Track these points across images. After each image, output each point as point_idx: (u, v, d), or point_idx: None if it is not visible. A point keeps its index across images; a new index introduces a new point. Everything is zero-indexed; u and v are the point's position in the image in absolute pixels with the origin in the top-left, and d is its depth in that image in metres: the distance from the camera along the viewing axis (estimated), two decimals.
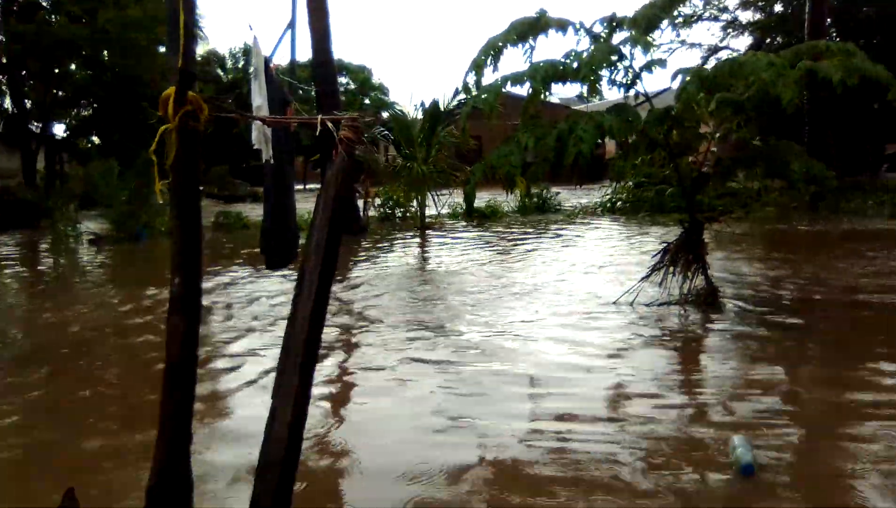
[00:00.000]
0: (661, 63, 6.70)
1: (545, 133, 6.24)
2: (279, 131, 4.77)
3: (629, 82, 7.02)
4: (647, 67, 6.74)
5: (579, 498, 3.34)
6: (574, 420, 4.31)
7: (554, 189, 21.44)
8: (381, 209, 19.14)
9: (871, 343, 5.95)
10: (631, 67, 6.91)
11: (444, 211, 19.17)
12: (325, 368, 5.42)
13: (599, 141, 6.74)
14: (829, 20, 30.08)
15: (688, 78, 6.16)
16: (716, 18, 33.11)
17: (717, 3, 32.95)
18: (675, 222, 7.47)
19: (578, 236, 14.64)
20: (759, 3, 31.86)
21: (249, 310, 7.78)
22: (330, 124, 2.59)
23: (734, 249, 11.93)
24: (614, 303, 7.57)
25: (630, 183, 19.86)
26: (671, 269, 7.46)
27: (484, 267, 10.65)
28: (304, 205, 8.99)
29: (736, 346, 6.05)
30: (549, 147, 6.14)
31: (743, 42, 32.95)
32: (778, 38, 29.59)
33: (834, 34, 30.44)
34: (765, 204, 18.60)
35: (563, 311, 7.41)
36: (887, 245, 11.34)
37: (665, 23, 7.44)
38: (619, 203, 19.82)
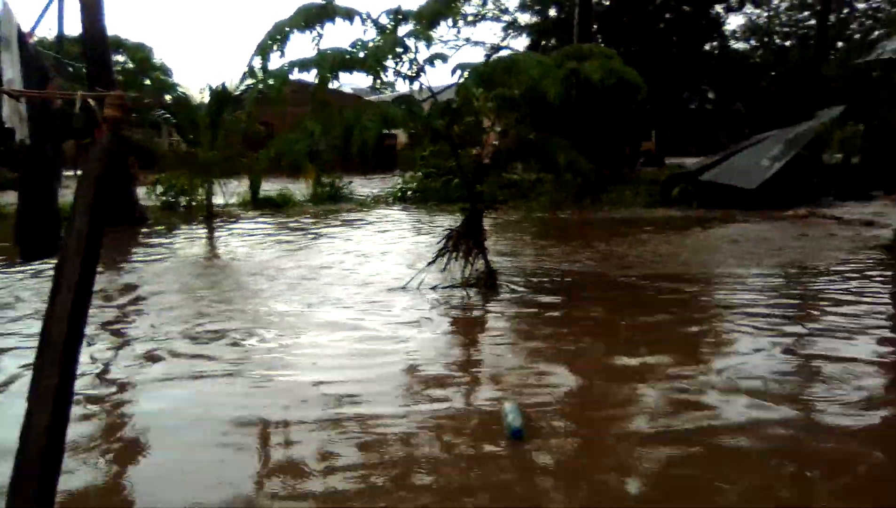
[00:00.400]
0: (443, 57, 7.01)
1: (332, 121, 6.26)
2: (38, 108, 4.31)
3: (414, 75, 7.24)
4: (431, 60, 7.01)
5: (382, 478, 3.43)
6: (365, 404, 4.39)
7: (347, 178, 21.53)
8: (164, 198, 17.99)
9: (630, 316, 6.73)
10: (415, 59, 7.14)
11: (233, 200, 18.47)
12: (87, 366, 5.03)
13: (392, 132, 6.97)
14: (596, 26, 33.16)
15: (466, 74, 6.49)
16: (497, 19, 35.07)
17: (498, 4, 34.94)
18: (461, 211, 7.87)
19: (369, 224, 14.83)
20: (536, 7, 34.21)
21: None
22: (92, 102, 2.42)
23: (512, 235, 12.76)
24: (402, 288, 7.80)
25: (420, 173, 20.60)
26: (454, 254, 7.85)
27: (271, 256, 10.44)
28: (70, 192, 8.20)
29: (511, 323, 6.55)
30: (336, 136, 6.17)
31: (522, 42, 35.15)
32: (553, 40, 31.95)
33: (600, 39, 33.60)
34: (539, 194, 20.23)
35: (352, 297, 7.51)
36: (643, 230, 12.76)
37: (450, 20, 7.77)
38: (409, 193, 20.35)
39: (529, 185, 21.84)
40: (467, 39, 40.94)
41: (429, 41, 6.66)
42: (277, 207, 18.98)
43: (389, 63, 6.79)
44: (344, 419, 4.12)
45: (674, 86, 34.28)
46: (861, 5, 37.75)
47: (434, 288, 7.74)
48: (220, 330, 6.17)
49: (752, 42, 42.75)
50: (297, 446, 3.81)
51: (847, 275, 8.36)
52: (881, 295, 7.48)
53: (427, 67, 7.23)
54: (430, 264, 7.93)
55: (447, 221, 13.86)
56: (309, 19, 7.01)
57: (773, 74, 36.21)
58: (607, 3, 33.77)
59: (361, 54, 6.52)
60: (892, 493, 3.36)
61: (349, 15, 7.10)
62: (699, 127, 43.01)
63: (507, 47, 33.67)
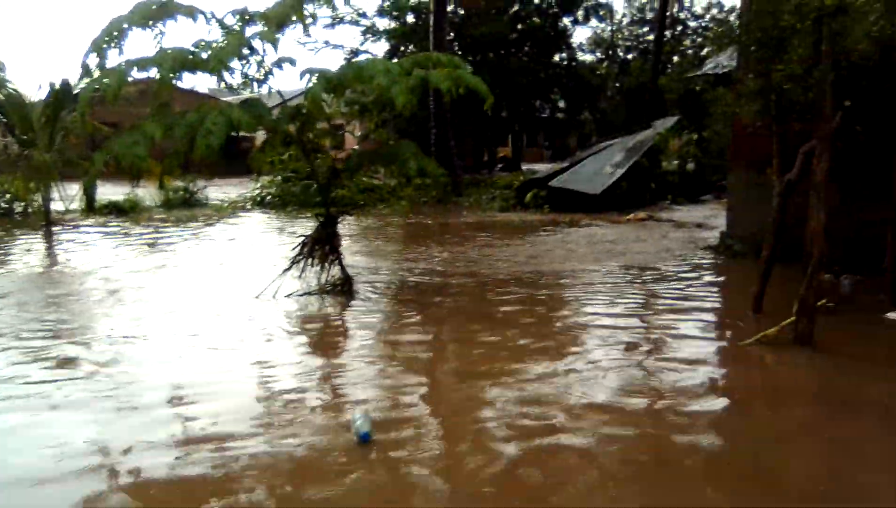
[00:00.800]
0: (291, 61, 6.93)
1: (175, 123, 6.01)
2: None
3: (262, 77, 7.11)
4: (279, 63, 6.90)
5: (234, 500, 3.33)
6: (224, 420, 4.23)
7: (202, 182, 20.71)
8: None
9: (481, 314, 6.95)
10: (262, 62, 7.01)
11: (75, 205, 17.26)
12: None
13: (249, 135, 6.83)
14: (452, 34, 33.91)
15: (314, 78, 6.44)
16: (356, 23, 34.97)
17: (357, 9, 34.89)
18: (315, 217, 7.80)
19: (223, 230, 14.35)
20: (394, 14, 34.47)
21: None
22: None
23: (371, 240, 12.79)
24: (256, 297, 7.62)
25: (279, 178, 20.15)
26: (309, 261, 7.77)
27: (113, 267, 9.85)
28: None
29: (366, 330, 6.56)
30: (178, 138, 5.93)
31: (382, 47, 35.26)
32: (411, 46, 32.27)
33: (456, 47, 34.41)
34: (400, 198, 20.39)
35: (201, 309, 7.24)
36: (497, 234, 13.18)
37: (307, 22, 7.64)
38: (268, 197, 19.86)
39: (390, 189, 22.00)
40: (326, 42, 40.65)
41: (274, 43, 6.54)
42: (125, 213, 17.94)
43: (235, 64, 6.62)
44: (193, 441, 3.96)
45: (526, 94, 35.73)
46: (693, 24, 41.04)
47: (289, 296, 7.62)
48: (50, 348, 5.75)
49: (598, 54, 45.39)
50: (144, 472, 3.62)
51: (679, 273, 9.06)
52: (708, 296, 8.12)
53: (278, 71, 7.16)
54: (284, 271, 7.80)
55: (307, 226, 13.72)
56: (148, 16, 6.71)
57: (617, 84, 38.52)
58: (463, 12, 34.61)
59: (204, 55, 6.30)
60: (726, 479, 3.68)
61: (191, 13, 6.85)
62: (551, 134, 45.17)
63: (366, 52, 33.71)
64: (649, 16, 41.63)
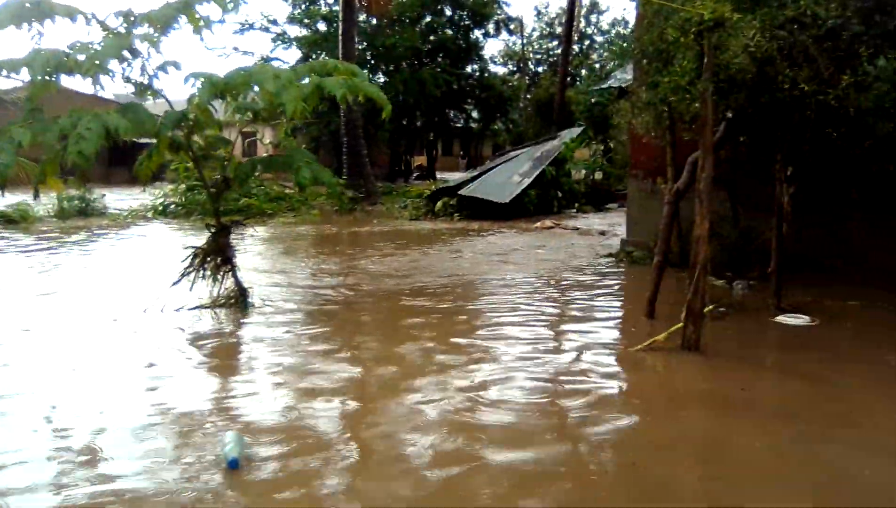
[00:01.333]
0: (176, 65, 6.63)
1: (46, 129, 5.62)
2: None
3: (146, 82, 6.77)
4: (163, 67, 6.60)
5: None
6: (99, 461, 3.92)
7: (102, 191, 19.80)
8: None
9: (378, 327, 6.82)
10: (146, 65, 6.69)
11: None
12: None
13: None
14: (364, 44, 33.75)
15: (198, 82, 6.18)
16: (266, 29, 34.35)
17: (267, 15, 34.28)
18: (206, 227, 7.48)
19: (119, 241, 13.68)
20: (305, 21, 34.06)
21: None
22: None
23: (275, 250, 12.46)
24: (144, 312, 7.25)
25: (183, 186, 19.45)
26: (201, 273, 7.45)
27: None
28: None
29: (257, 345, 6.31)
30: (48, 145, 5.56)
31: (294, 55, 34.83)
32: (323, 55, 31.91)
33: (369, 56, 34.30)
34: (311, 208, 20.06)
35: (86, 325, 6.83)
36: (404, 243, 13.09)
37: (199, 24, 7.33)
38: (171, 206, 19.13)
39: (303, 198, 21.60)
40: (236, 48, 39.83)
41: (155, 46, 6.23)
42: (14, 223, 16.89)
43: (116, 67, 6.27)
44: (68, 471, 3.67)
45: (440, 105, 35.96)
46: (599, 39, 42.48)
47: (179, 310, 7.28)
48: None
49: (510, 66, 46.22)
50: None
51: (578, 281, 9.20)
52: (604, 303, 8.26)
53: (164, 75, 6.83)
54: (174, 284, 7.44)
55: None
56: (20, 16, 6.27)
57: (528, 96, 39.24)
58: (375, 22, 34.50)
59: (81, 57, 5.94)
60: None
61: (70, 14, 6.45)
62: (466, 144, 45.63)
63: (276, 59, 33.13)
64: (558, 30, 42.80)
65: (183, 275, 7.46)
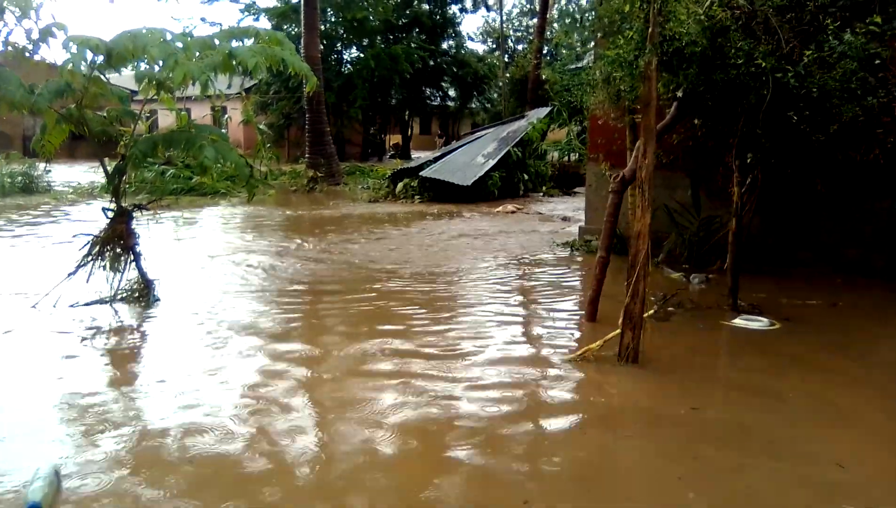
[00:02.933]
0: (62, 27, 5.81)
1: None
2: None
3: (31, 47, 5.96)
4: (46, 34, 5.79)
5: None
6: None
7: (45, 166, 18.80)
8: None
9: (301, 322, 6.12)
10: (30, 30, 5.88)
11: None
12: None
13: None
14: (334, 17, 32.68)
15: (76, 47, 5.39)
16: (235, 0, 33.16)
17: None
18: (103, 211, 6.71)
19: (49, 223, 12.82)
20: None
21: None
22: None
23: (213, 235, 11.70)
24: (33, 307, 6.50)
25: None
26: (100, 263, 6.70)
27: None
28: None
29: (157, 347, 5.62)
30: None
31: (265, 25, 33.58)
32: (294, 27, 30.85)
33: (342, 31, 33.22)
34: (269, 187, 19.24)
35: None
36: (348, 227, 12.36)
37: None
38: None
39: (262, 176, 20.77)
40: (203, 19, 38.52)
41: (24, 9, 5.42)
42: None
43: None
44: None
45: (415, 82, 35.03)
46: (579, 17, 41.42)
47: (74, 306, 6.53)
48: None
49: (489, 44, 45.25)
50: None
51: (527, 273, 8.55)
52: (548, 301, 7.60)
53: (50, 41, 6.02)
54: (70, 275, 6.68)
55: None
56: None
57: (507, 75, 38.37)
58: None
59: None
60: None
61: None
62: (444, 122, 44.69)
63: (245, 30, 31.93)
64: (538, 7, 41.81)
65: (79, 266, 6.70)
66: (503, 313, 6.57)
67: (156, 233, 10.58)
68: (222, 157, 6.06)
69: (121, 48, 5.48)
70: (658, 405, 4.44)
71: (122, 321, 6.29)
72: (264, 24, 33.44)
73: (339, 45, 33.82)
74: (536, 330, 6.11)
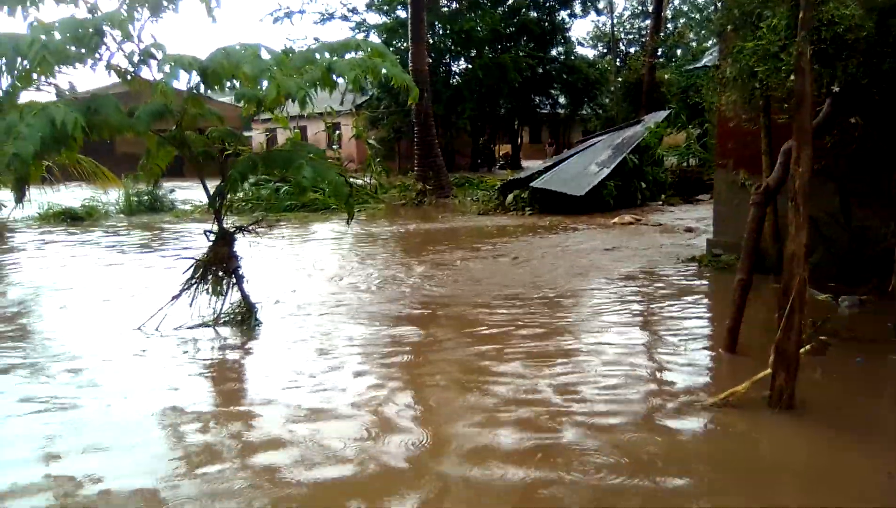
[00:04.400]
0: (161, 47, 5.68)
1: None
2: None
3: (131, 69, 5.88)
4: (145, 55, 5.67)
5: None
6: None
7: (169, 186, 19.68)
8: None
9: (416, 353, 5.69)
10: (132, 52, 5.80)
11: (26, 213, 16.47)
12: None
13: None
14: (442, 29, 32.66)
15: (169, 67, 5.20)
16: (346, 18, 33.89)
17: (347, 4, 33.81)
18: (204, 234, 6.57)
19: (171, 240, 13.18)
20: (385, 8, 33.30)
21: None
22: None
23: (314, 252, 11.58)
24: (138, 328, 6.43)
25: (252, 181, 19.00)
26: (204, 287, 6.56)
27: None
28: None
29: (258, 373, 5.36)
30: None
31: (374, 41, 34.13)
32: (403, 42, 31.09)
33: (449, 43, 33.16)
34: (379, 202, 19.21)
35: (70, 344, 6.07)
36: (458, 242, 11.92)
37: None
38: (237, 203, 18.72)
39: (372, 191, 20.84)
40: (316, 39, 39.59)
41: (122, 29, 5.27)
42: (80, 220, 16.93)
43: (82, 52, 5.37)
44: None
45: (524, 90, 34.42)
46: (696, 16, 39.49)
47: (178, 329, 6.42)
48: None
49: (600, 48, 43.99)
50: None
51: (649, 295, 7.78)
52: (675, 328, 6.81)
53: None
54: (174, 298, 6.57)
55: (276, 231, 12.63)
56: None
57: (619, 79, 37.08)
58: (456, 5, 33.37)
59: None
60: None
61: None
62: (555, 130, 43.75)
63: None
64: (651, 8, 40.23)
65: (183, 289, 6.58)
66: (626, 342, 5.86)
67: (264, 252, 10.57)
68: (320, 176, 5.73)
69: (216, 66, 5.26)
70: (832, 467, 3.65)
71: (222, 345, 6.10)
72: (374, 41, 34.03)
73: (447, 56, 33.80)
74: (666, 363, 5.35)
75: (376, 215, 16.90)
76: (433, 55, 32.22)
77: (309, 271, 9.50)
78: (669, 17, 38.31)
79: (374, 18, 33.93)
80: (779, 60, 4.80)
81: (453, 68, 34.40)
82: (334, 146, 24.86)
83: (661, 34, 25.93)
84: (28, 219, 16.83)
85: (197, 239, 12.69)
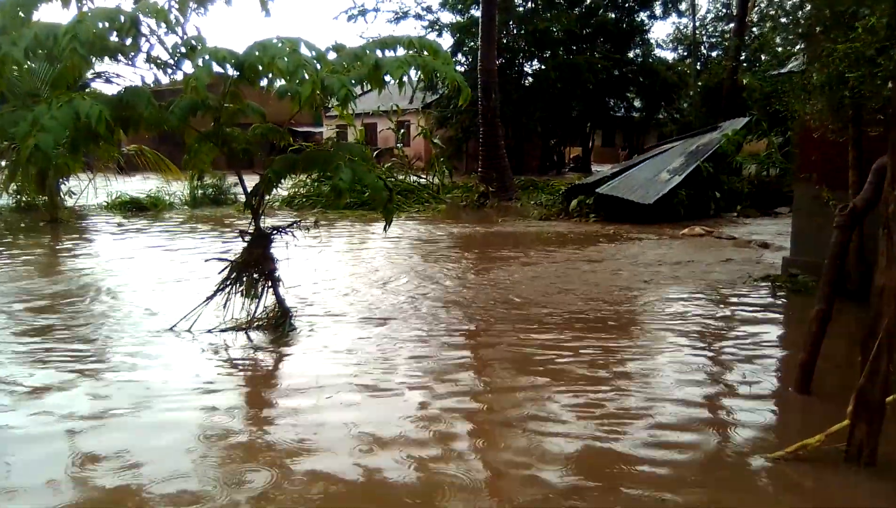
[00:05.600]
0: (201, 40, 5.44)
1: (18, 117, 4.65)
2: None
3: (173, 63, 5.67)
4: (183, 49, 5.44)
5: None
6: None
7: (232, 179, 19.86)
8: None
9: (454, 367, 5.30)
10: (176, 46, 5.58)
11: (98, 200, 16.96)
12: None
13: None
14: (519, 29, 32.09)
15: (202, 60, 4.93)
16: (420, 17, 33.68)
17: (421, 2, 33.63)
18: (240, 235, 6.33)
19: (225, 231, 13.17)
20: (459, 7, 32.94)
21: None
22: None
23: (364, 254, 11.30)
24: (171, 329, 6.26)
25: (311, 177, 18.95)
26: (237, 288, 6.33)
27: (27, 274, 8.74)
28: None
29: (288, 382, 5.10)
30: (21, 135, 4.56)
31: (446, 42, 33.94)
32: (478, 41, 30.70)
33: (523, 43, 32.54)
34: (440, 202, 18.88)
35: (105, 342, 5.97)
36: (513, 248, 11.44)
37: None
38: (296, 198, 18.73)
39: (434, 190, 20.53)
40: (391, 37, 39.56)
41: (164, 21, 5.03)
42: (145, 210, 17.27)
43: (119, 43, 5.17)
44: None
45: (599, 92, 33.48)
46: (784, 20, 37.60)
47: (212, 330, 6.22)
48: None
49: (680, 51, 42.49)
50: None
51: (716, 317, 7.15)
52: (741, 360, 6.16)
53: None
54: (208, 299, 6.38)
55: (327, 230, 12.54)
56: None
57: (700, 83, 35.65)
58: (531, 4, 32.72)
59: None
60: None
61: None
62: (628, 134, 42.51)
63: None
64: (735, 11, 38.54)
65: (217, 290, 6.37)
66: (684, 376, 5.26)
67: (310, 252, 10.36)
68: (359, 179, 5.39)
69: (251, 60, 4.97)
70: None
71: (254, 351, 5.86)
72: (447, 39, 33.78)
73: (520, 56, 33.19)
74: (729, 404, 4.75)
75: (435, 216, 16.55)
76: (506, 55, 31.67)
77: (354, 273, 9.21)
78: (754, 20, 36.64)
79: (448, 17, 33.59)
80: (874, 65, 4.16)
81: (525, 69, 33.77)
82: (398, 144, 24.66)
83: (746, 38, 24.65)
84: (96, 207, 17.28)
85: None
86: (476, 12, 32.50)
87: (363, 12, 32.23)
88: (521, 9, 33.04)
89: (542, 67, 32.79)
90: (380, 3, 38.92)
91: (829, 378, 4.91)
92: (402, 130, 25.92)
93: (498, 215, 16.66)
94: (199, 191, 18.75)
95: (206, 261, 6.90)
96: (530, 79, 33.27)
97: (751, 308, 7.42)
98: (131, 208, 17.10)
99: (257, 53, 5.00)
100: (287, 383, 5.18)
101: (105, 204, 17.54)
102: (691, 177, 14.84)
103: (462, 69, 32.40)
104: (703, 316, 7.11)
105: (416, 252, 11.24)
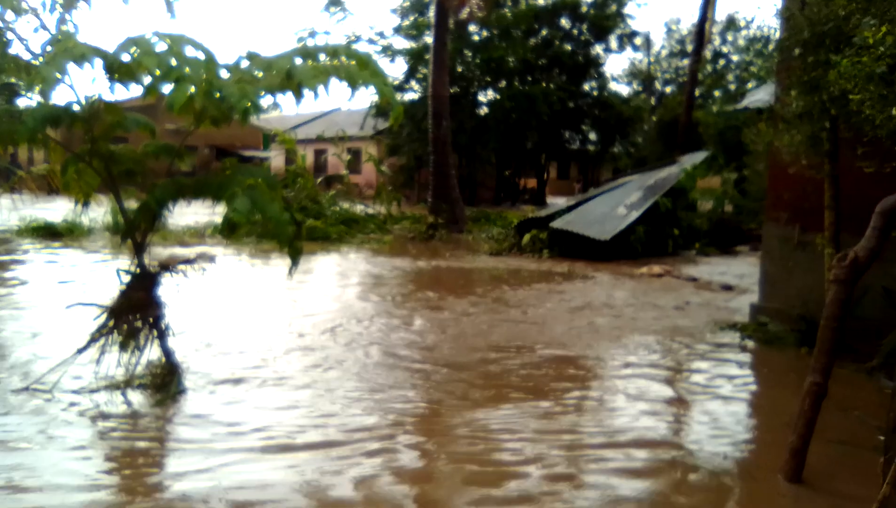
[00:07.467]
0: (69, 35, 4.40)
1: None
2: None
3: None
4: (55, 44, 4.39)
5: None
6: None
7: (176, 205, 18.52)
8: None
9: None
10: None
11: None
12: None
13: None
14: (475, 58, 31.64)
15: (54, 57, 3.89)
16: (373, 42, 33.00)
17: (374, 27, 33.04)
18: (123, 274, 5.23)
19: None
20: (412, 33, 32.38)
21: None
22: None
23: (288, 293, 10.21)
24: (26, 389, 5.09)
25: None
26: (114, 338, 5.21)
27: None
28: None
29: (170, 456, 3.98)
30: None
31: (401, 67, 33.42)
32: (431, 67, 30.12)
33: (477, 72, 32.08)
34: (386, 233, 17.90)
35: None
36: (455, 287, 10.50)
37: None
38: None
39: (381, 221, 19.56)
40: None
41: (8, 7, 4.00)
42: (59, 236, 15.83)
43: None
44: None
45: (554, 124, 33.09)
46: (736, 58, 38.12)
47: (80, 391, 5.07)
48: None
49: (635, 85, 42.68)
50: None
51: (677, 374, 6.28)
52: (709, 430, 5.28)
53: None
54: (79, 351, 5.23)
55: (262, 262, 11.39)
56: None
57: (654, 118, 35.64)
58: (487, 34, 32.30)
59: None
60: None
61: None
62: (584, 166, 42.28)
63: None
64: (690, 48, 38.90)
65: (91, 340, 5.24)
66: (641, 454, 4.33)
67: (237, 289, 9.26)
68: (259, 209, 4.38)
69: (115, 59, 3.95)
70: None
71: (130, 417, 4.73)
72: (401, 66, 33.15)
73: (475, 85, 32.69)
74: (703, 502, 3.84)
75: (381, 248, 15.54)
76: (461, 84, 31.12)
77: (276, 319, 8.10)
78: (709, 57, 36.97)
79: (402, 43, 32.98)
80: (888, 85, 3.37)
81: (480, 98, 33.27)
82: (346, 171, 23.71)
83: (700, 74, 24.55)
84: (8, 232, 15.81)
85: None
86: (429, 39, 32.04)
87: (313, 34, 31.42)
88: (476, 37, 32.62)
89: (498, 96, 32.34)
90: (333, 27, 38.17)
91: (821, 458, 4.06)
92: (349, 158, 24.93)
93: (446, 249, 15.70)
94: (119, 217, 17.35)
95: (67, 308, 5.73)
96: (485, 108, 32.76)
97: (719, 362, 6.58)
98: (44, 233, 15.63)
99: (130, 51, 3.98)
100: (169, 470, 4.07)
101: (16, 229, 16.05)
102: (649, 212, 14.17)
103: (415, 96, 31.74)
104: (663, 369, 6.24)
105: (349, 291, 10.20)
